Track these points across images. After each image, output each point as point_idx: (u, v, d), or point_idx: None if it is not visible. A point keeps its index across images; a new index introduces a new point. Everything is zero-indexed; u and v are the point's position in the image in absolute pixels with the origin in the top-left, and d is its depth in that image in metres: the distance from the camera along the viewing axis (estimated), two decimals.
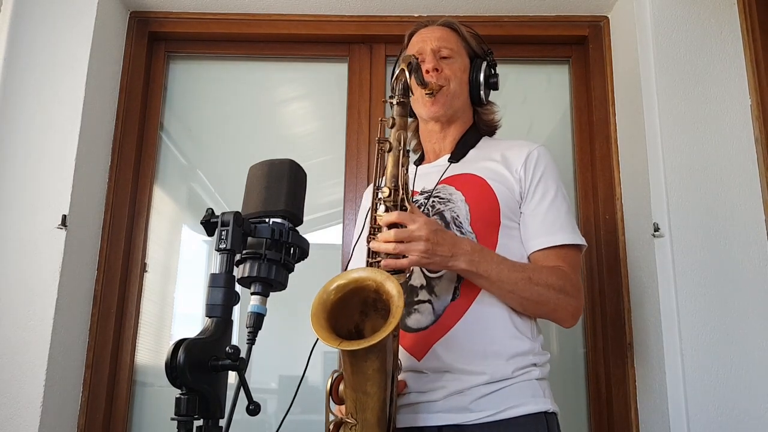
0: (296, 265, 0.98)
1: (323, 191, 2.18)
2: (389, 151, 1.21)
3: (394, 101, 1.22)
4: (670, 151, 1.78)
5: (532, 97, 2.24)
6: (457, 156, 1.44)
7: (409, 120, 1.55)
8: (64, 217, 1.78)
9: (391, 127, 1.22)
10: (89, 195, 1.93)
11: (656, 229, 1.76)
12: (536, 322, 1.34)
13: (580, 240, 1.34)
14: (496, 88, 1.51)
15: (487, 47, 1.53)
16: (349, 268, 1.42)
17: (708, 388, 1.63)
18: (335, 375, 1.17)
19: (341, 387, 1.16)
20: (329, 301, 1.08)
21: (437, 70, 1.41)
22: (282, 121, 2.32)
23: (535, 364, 1.27)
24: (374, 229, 1.22)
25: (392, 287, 1.06)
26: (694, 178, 1.76)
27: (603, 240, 2.00)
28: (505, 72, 2.26)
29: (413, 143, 1.60)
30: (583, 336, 2.02)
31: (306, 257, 1.00)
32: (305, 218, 0.99)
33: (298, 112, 2.34)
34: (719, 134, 1.80)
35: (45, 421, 1.68)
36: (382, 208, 1.21)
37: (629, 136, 1.97)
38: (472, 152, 1.46)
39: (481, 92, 1.47)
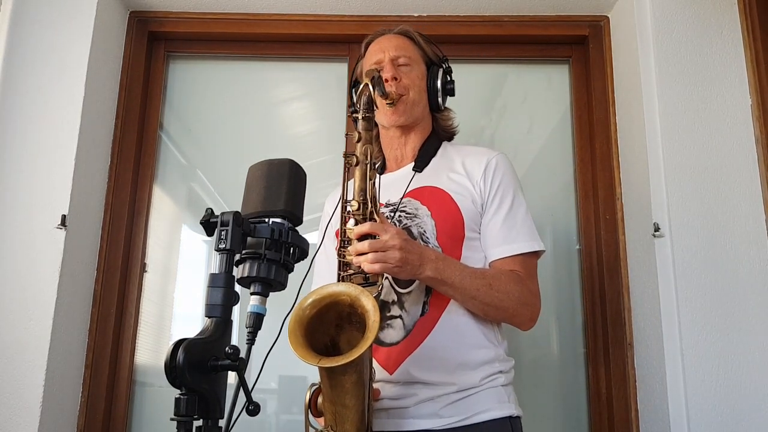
0: (296, 264, 0.98)
1: (323, 191, 2.17)
2: (356, 165, 1.23)
3: (359, 116, 1.25)
4: (670, 151, 1.78)
5: (532, 97, 2.24)
6: (420, 165, 1.47)
7: None
8: (64, 217, 1.78)
9: (357, 142, 1.24)
10: (89, 195, 1.93)
11: (656, 229, 1.76)
12: (500, 330, 1.39)
13: (537, 246, 1.39)
14: (452, 94, 1.54)
15: (442, 54, 1.56)
16: (315, 283, 1.46)
17: (708, 388, 1.63)
18: (313, 388, 1.19)
19: (320, 400, 1.17)
20: (305, 318, 1.10)
21: (396, 78, 1.44)
22: (282, 121, 2.32)
23: (501, 371, 1.32)
24: (344, 242, 1.25)
25: (367, 301, 1.09)
26: (695, 178, 1.76)
27: (603, 240, 2.00)
28: (505, 72, 2.27)
29: (375, 150, 1.61)
30: (583, 336, 2.02)
31: (306, 257, 1.00)
32: (305, 218, 0.99)
33: (298, 112, 2.34)
34: (719, 134, 1.80)
35: (45, 421, 1.68)
36: (351, 221, 1.23)
37: (629, 136, 1.97)
38: (434, 161, 1.49)
39: (439, 99, 1.51)
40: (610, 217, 2.01)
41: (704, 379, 1.63)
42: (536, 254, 1.40)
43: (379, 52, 1.49)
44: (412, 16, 2.14)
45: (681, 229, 1.73)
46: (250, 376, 2.01)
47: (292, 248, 0.96)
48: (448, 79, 1.53)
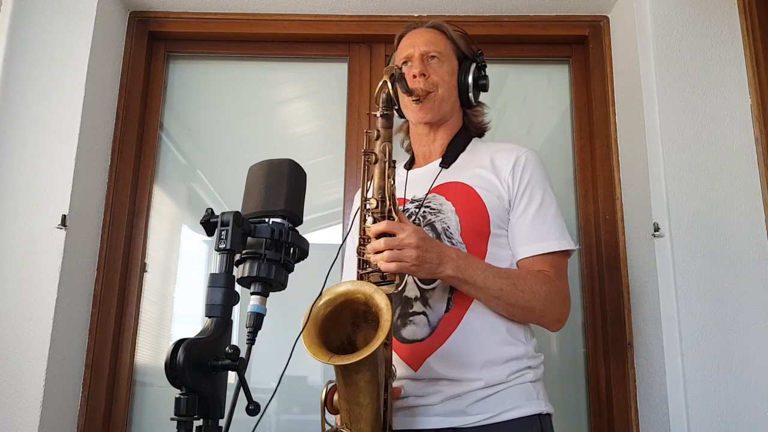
0: (296, 264, 0.98)
1: (323, 191, 2.18)
2: (375, 162, 1.22)
3: (378, 114, 1.23)
4: (670, 151, 1.78)
5: (532, 97, 2.24)
6: (447, 161, 1.45)
7: (402, 120, 1.58)
8: (64, 217, 1.78)
9: (376, 139, 1.23)
10: (89, 195, 1.93)
11: (656, 229, 1.76)
12: (529, 326, 1.36)
13: (568, 245, 1.35)
14: (485, 90, 1.52)
15: (477, 48, 1.53)
16: (345, 275, 1.47)
17: (708, 388, 1.63)
18: (329, 386, 1.19)
19: (336, 397, 1.17)
20: (320, 316, 1.10)
21: (424, 75, 1.42)
22: (282, 121, 2.32)
23: (529, 367, 1.29)
24: (364, 240, 1.24)
25: (381, 300, 1.09)
26: (694, 178, 1.76)
27: (603, 240, 2.00)
28: (505, 72, 2.27)
29: (405, 143, 1.61)
30: (583, 336, 2.02)
31: (306, 257, 1.00)
32: (305, 218, 0.99)
33: (298, 112, 2.34)
34: (719, 134, 1.80)
35: (45, 421, 1.68)
36: (370, 219, 1.22)
37: (629, 136, 1.97)
38: (462, 157, 1.46)
39: (470, 94, 1.48)
40: (610, 217, 2.01)
41: (704, 379, 1.63)
42: (566, 253, 1.37)
43: (410, 47, 1.47)
44: (412, 16, 2.14)
45: (681, 228, 1.73)
46: (250, 376, 2.01)
47: (292, 248, 0.96)
48: (481, 74, 1.50)
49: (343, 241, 1.42)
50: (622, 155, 2.01)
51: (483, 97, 1.56)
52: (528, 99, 2.24)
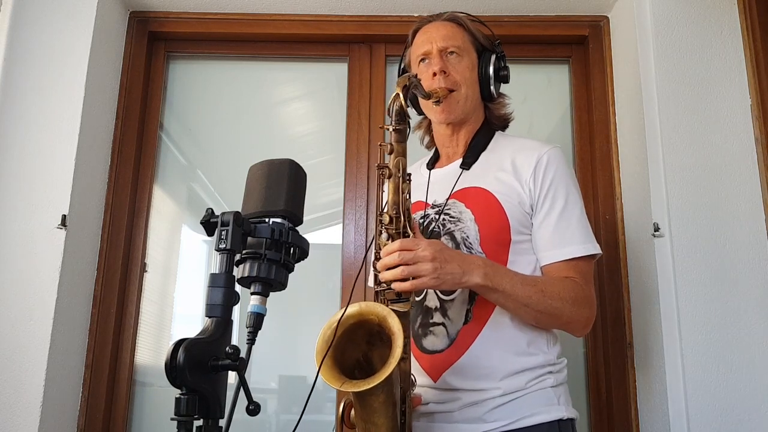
0: (296, 264, 0.98)
1: (323, 191, 2.18)
2: (389, 177, 1.19)
3: (391, 128, 1.19)
4: (670, 151, 1.78)
5: (532, 97, 2.24)
6: (468, 162, 1.41)
7: (420, 117, 1.55)
8: (64, 216, 1.78)
9: (389, 153, 1.20)
10: (89, 195, 1.93)
11: (656, 229, 1.76)
12: (551, 335, 1.33)
13: (593, 249, 1.32)
14: (506, 81, 1.47)
15: (496, 38, 1.48)
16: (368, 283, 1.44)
17: (708, 388, 1.63)
18: (346, 401, 1.18)
19: (353, 412, 1.17)
20: (333, 338, 1.10)
21: (444, 72, 1.37)
22: (282, 121, 2.32)
23: (550, 372, 1.27)
24: (379, 255, 1.21)
25: (393, 323, 1.08)
26: (694, 178, 1.76)
27: (603, 240, 2.00)
28: None
29: (426, 140, 1.58)
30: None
31: (306, 257, 1.00)
32: (305, 218, 0.99)
33: (298, 112, 2.34)
34: (719, 134, 1.80)
35: (45, 421, 1.68)
36: (384, 235, 1.20)
37: (629, 136, 1.97)
38: (483, 156, 1.42)
39: (491, 87, 1.43)
40: (610, 217, 2.01)
41: (704, 379, 1.63)
42: (592, 257, 1.33)
43: (427, 43, 1.41)
44: (412, 16, 2.14)
45: (681, 229, 1.73)
46: (250, 376, 2.00)
47: (292, 248, 0.96)
48: (502, 64, 1.45)
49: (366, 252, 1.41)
50: (622, 155, 2.01)
51: None
52: (528, 99, 2.24)
